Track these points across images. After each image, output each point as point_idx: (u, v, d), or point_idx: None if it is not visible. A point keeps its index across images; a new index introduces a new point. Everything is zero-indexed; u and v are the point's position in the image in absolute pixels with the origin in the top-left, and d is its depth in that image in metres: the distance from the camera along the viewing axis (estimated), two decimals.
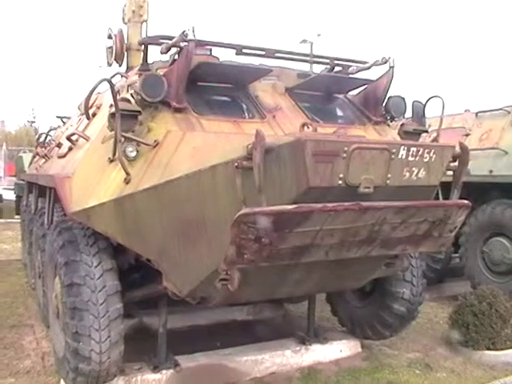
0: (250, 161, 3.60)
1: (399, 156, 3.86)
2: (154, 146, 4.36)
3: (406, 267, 5.38)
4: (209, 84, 5.00)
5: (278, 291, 4.71)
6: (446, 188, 4.67)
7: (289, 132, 4.62)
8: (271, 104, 5.14)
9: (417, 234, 4.16)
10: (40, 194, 7.82)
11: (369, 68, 5.79)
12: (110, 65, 7.67)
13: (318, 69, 6.09)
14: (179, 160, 4.16)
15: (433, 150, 4.03)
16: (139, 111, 4.44)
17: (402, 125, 5.51)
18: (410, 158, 3.93)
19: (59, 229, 4.97)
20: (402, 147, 3.87)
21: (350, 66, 5.90)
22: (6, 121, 52.93)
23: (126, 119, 4.31)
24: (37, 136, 10.55)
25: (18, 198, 15.91)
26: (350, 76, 5.82)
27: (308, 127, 4.51)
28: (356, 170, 3.70)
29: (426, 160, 4.02)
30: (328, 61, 5.84)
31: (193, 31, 4.59)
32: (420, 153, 3.96)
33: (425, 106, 5.58)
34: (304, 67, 5.94)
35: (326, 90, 5.65)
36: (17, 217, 14.78)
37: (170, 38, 4.89)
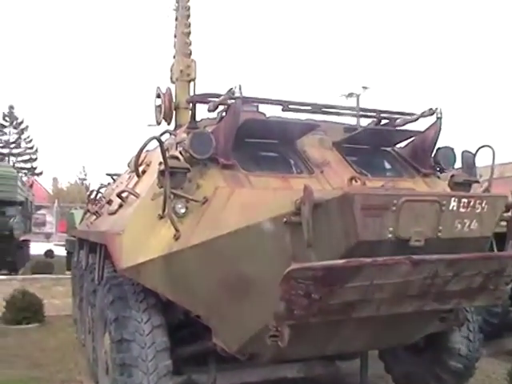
0: (298, 216, 3.61)
1: (450, 208, 3.81)
2: (203, 203, 4.42)
3: (461, 322, 5.21)
4: (256, 140, 5.08)
5: (328, 347, 4.62)
6: (501, 239, 4.56)
7: (337, 186, 4.62)
8: (319, 159, 5.18)
9: (471, 287, 4.05)
10: (91, 250, 7.96)
11: (416, 120, 5.79)
12: (159, 123, 7.91)
13: (365, 122, 6.13)
14: (228, 216, 4.20)
15: (484, 201, 3.97)
16: (188, 168, 4.53)
17: (452, 176, 5.44)
18: (462, 210, 3.87)
19: (109, 285, 5.04)
20: (453, 199, 3.82)
21: (397, 119, 5.91)
22: (58, 178, 54.58)
23: (175, 176, 4.41)
24: (88, 193, 10.81)
25: (69, 253, 16.24)
26: (397, 128, 5.82)
27: (356, 181, 4.51)
28: (406, 223, 3.65)
29: (477, 211, 3.95)
30: (374, 114, 5.88)
31: (239, 88, 4.71)
32: (471, 204, 3.90)
33: (475, 155, 5.51)
34: (351, 121, 5.99)
35: (374, 144, 5.66)
36: (68, 272, 15.04)
37: (218, 96, 5.02)
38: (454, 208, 3.82)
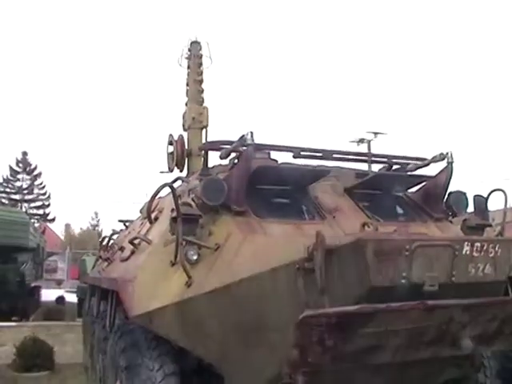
0: (311, 262, 3.61)
1: (463, 252, 3.79)
2: (216, 250, 4.44)
3: (477, 367, 5.13)
4: (268, 187, 5.12)
5: None
6: None
7: (349, 232, 4.62)
8: (331, 205, 5.20)
9: (487, 332, 4.01)
10: (102, 296, 7.95)
11: (427, 165, 5.82)
12: (171, 170, 8.00)
13: (377, 168, 6.17)
14: (240, 263, 4.20)
15: (498, 245, 3.95)
16: (200, 215, 4.57)
17: (464, 220, 5.44)
18: (475, 254, 3.85)
19: (121, 332, 5.02)
20: (466, 243, 3.81)
21: (408, 164, 5.95)
22: (70, 224, 54.76)
23: (187, 223, 4.44)
24: (100, 239, 10.83)
25: (81, 300, 16.17)
26: (409, 173, 5.85)
27: (369, 226, 4.51)
28: (419, 268, 3.64)
29: (491, 255, 3.93)
30: (386, 159, 5.92)
31: (251, 136, 4.78)
32: (485, 248, 3.88)
33: (487, 199, 5.51)
34: (362, 166, 6.04)
35: (385, 189, 5.68)
36: (79, 319, 14.96)
37: (230, 143, 5.09)
38: (468, 252, 3.81)
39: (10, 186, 52.63)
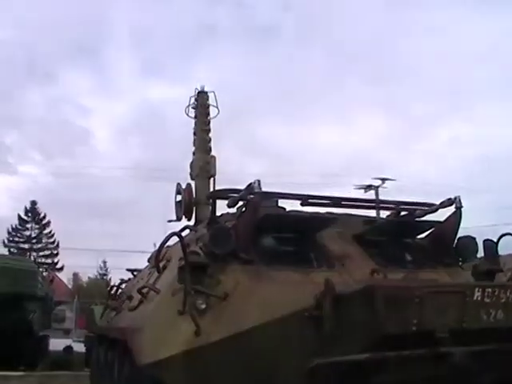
0: (320, 310, 3.59)
1: (474, 298, 3.77)
2: (224, 298, 4.41)
3: None
4: (276, 234, 5.12)
5: None
6: None
7: (358, 279, 4.60)
8: (339, 252, 5.18)
9: (501, 378, 3.95)
10: (110, 346, 7.87)
11: (435, 210, 5.81)
12: (179, 219, 8.02)
13: (385, 214, 6.17)
14: (249, 312, 4.18)
15: (509, 290, 3.92)
16: (208, 264, 4.56)
17: (474, 265, 5.39)
18: (486, 300, 3.82)
19: (129, 381, 4.96)
20: (477, 289, 3.78)
21: (417, 210, 5.94)
22: (79, 273, 54.55)
23: (195, 272, 4.42)
24: (108, 288, 10.78)
25: (88, 350, 15.99)
26: (417, 219, 5.84)
27: (378, 273, 4.49)
28: (430, 315, 3.61)
29: (503, 300, 3.89)
30: (393, 205, 5.92)
31: (258, 184, 4.81)
32: (496, 293, 3.85)
33: (497, 244, 5.48)
34: (370, 213, 6.04)
35: (394, 235, 5.65)
36: (87, 369, 14.77)
37: (237, 192, 5.12)
38: (479, 298, 3.78)
39: (18, 235, 52.70)
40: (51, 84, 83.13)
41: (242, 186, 5.10)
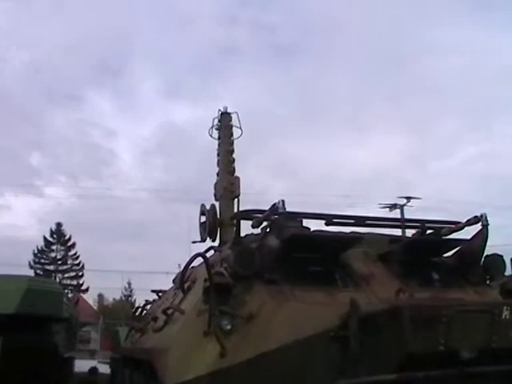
0: (345, 330, 3.58)
1: (503, 317, 3.72)
2: (249, 319, 4.41)
3: None
4: (301, 255, 5.11)
5: None
6: None
7: (384, 299, 4.57)
8: (364, 272, 5.16)
9: None
10: (136, 367, 7.87)
11: (462, 228, 5.76)
12: (203, 240, 8.04)
13: (410, 233, 6.13)
14: (274, 332, 4.17)
15: None
16: (233, 284, 4.57)
17: (502, 284, 5.32)
18: None
19: None
20: (505, 307, 3.74)
21: (442, 228, 5.89)
22: (104, 294, 54.76)
23: (220, 293, 4.44)
24: (133, 310, 10.80)
25: (114, 371, 15.98)
26: (443, 238, 5.79)
27: (404, 293, 4.46)
28: (457, 334, 3.58)
29: None
30: (419, 224, 5.88)
31: (283, 204, 4.83)
32: None
33: None
34: (396, 232, 6.00)
35: (420, 254, 5.61)
36: None
37: (261, 212, 5.15)
38: (507, 317, 3.74)
39: (44, 256, 53.17)
40: (76, 106, 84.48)
41: (266, 207, 5.13)
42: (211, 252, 5.81)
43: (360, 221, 5.53)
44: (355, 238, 5.34)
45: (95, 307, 52.30)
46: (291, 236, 4.85)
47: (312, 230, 5.58)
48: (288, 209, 4.92)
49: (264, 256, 4.74)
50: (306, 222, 5.70)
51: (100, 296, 54.24)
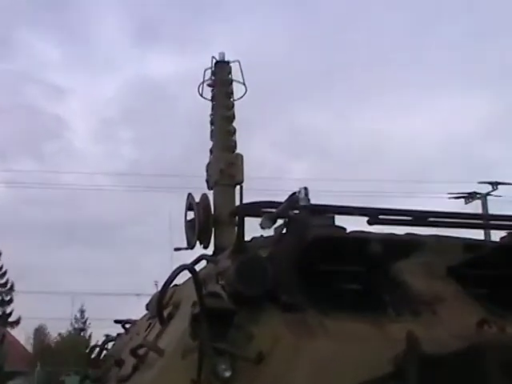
0: (400, 379, 3.59)
1: None
2: (258, 361, 4.42)
3: None
4: (333, 267, 5.09)
5: None
6: None
7: (458, 334, 4.57)
8: (427, 292, 5.16)
9: None
10: None
11: None
12: (191, 246, 8.05)
13: (497, 235, 6.10)
14: (295, 381, 4.19)
15: None
16: (234, 310, 4.58)
17: None
18: None
19: None
20: None
21: None
22: (43, 327, 54.84)
23: (215, 323, 4.44)
24: (88, 350, 10.89)
25: None
26: None
27: (489, 325, 4.46)
28: None
29: None
30: (510, 223, 5.85)
31: (305, 193, 4.84)
32: None
33: None
34: (475, 234, 5.97)
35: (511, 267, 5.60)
36: None
37: (275, 205, 5.14)
38: None
39: None
40: (5, 53, 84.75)
41: (281, 198, 5.14)
42: (202, 263, 5.81)
43: (420, 218, 5.51)
44: (413, 243, 5.34)
45: (30, 348, 52.58)
46: (318, 240, 4.86)
47: (349, 230, 5.58)
48: (313, 200, 4.96)
49: (278, 269, 4.74)
50: (339, 220, 5.69)
51: (38, 331, 54.45)
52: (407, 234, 5.65)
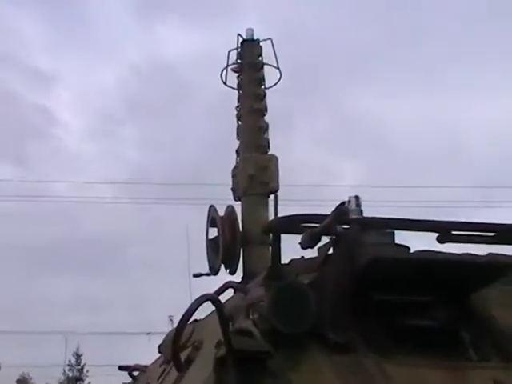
0: None
1: None
2: None
3: None
4: (395, 296, 5.08)
5: None
6: None
7: None
8: None
9: None
10: None
11: None
12: (214, 271, 8.01)
13: None
14: None
15: None
16: (269, 352, 4.53)
17: None
18: None
19: None
20: None
21: None
22: (29, 376, 55.15)
23: (245, 368, 4.40)
24: None
25: None
26: None
27: None
28: None
29: None
30: None
31: (356, 203, 4.81)
32: None
33: None
34: None
35: None
36: None
37: (318, 219, 5.09)
38: None
39: None
40: None
41: (327, 210, 5.11)
42: (229, 293, 5.79)
43: (506, 233, 5.44)
44: (499, 267, 5.26)
45: None
46: (374, 262, 4.82)
47: (413, 250, 5.52)
48: (367, 212, 4.97)
49: (325, 299, 4.69)
50: (399, 237, 5.64)
51: (21, 382, 54.78)
52: (489, 254, 5.56)
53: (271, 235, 5.45)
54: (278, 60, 10.04)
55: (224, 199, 8.87)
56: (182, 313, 4.67)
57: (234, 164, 9.28)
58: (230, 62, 10.08)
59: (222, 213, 8.21)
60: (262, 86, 9.76)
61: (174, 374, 5.92)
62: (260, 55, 9.97)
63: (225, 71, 10.07)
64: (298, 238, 5.30)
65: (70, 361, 54.84)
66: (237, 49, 10.04)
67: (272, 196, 8.37)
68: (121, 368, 10.29)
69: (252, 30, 10.11)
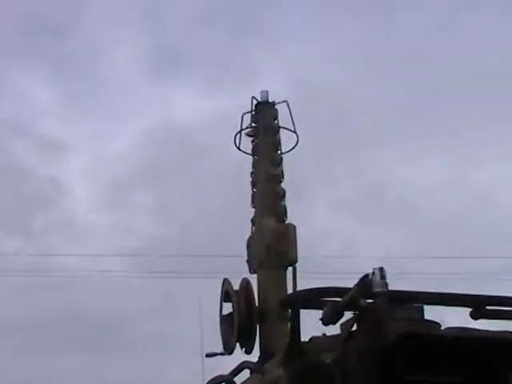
0: None
1: None
2: None
3: None
4: (424, 377, 5.00)
5: None
6: None
7: None
8: None
9: None
10: None
11: None
12: (228, 350, 7.93)
13: None
14: None
15: None
16: None
17: None
18: None
19: None
20: None
21: None
22: None
23: None
24: None
25: None
26: None
27: None
28: None
29: None
30: None
31: (381, 275, 4.76)
32: None
33: None
34: None
35: None
36: None
37: (341, 292, 5.05)
38: None
39: None
40: None
41: (349, 282, 5.11)
42: (245, 373, 5.73)
43: None
44: None
45: None
46: (403, 339, 4.74)
47: (445, 326, 5.45)
48: (393, 285, 4.94)
49: (349, 380, 4.63)
50: (429, 312, 5.57)
51: None
52: None
53: (290, 310, 5.42)
54: (295, 122, 10.00)
55: (239, 272, 8.80)
56: None
57: (249, 234, 9.22)
58: (244, 126, 10.05)
59: (236, 286, 8.12)
60: (279, 151, 9.73)
61: None
62: (276, 118, 9.94)
63: (239, 136, 10.03)
64: (318, 313, 5.26)
65: None
66: (251, 112, 10.02)
67: (290, 268, 8.30)
68: None
69: (267, 92, 10.08)
